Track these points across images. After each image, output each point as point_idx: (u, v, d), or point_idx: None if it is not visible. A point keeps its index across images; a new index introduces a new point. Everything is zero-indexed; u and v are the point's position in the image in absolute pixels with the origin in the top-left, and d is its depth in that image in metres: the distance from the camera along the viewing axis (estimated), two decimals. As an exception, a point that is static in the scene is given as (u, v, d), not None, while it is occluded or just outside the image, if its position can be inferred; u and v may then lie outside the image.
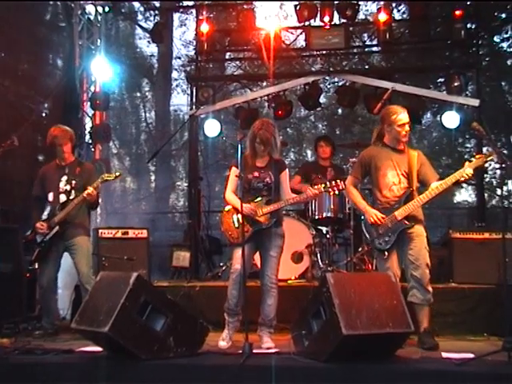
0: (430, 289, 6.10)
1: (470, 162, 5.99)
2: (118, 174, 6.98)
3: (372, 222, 6.19)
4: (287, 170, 6.36)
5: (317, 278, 7.86)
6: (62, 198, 6.94)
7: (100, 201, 7.35)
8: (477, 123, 6.03)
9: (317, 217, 8.35)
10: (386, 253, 6.16)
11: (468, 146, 19.19)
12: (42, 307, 7.24)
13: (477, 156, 6.11)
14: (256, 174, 6.22)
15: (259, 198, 6.18)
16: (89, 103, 10.67)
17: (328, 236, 8.36)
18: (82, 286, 6.93)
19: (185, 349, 5.49)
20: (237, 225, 6.17)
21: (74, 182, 6.95)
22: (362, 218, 6.40)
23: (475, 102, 9.61)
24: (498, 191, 6.66)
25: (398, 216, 6.11)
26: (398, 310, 5.20)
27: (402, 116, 6.25)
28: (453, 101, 9.58)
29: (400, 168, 6.24)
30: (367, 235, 6.34)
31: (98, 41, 10.95)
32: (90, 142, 10.66)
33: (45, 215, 6.95)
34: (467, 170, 5.91)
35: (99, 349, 5.63)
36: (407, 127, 6.26)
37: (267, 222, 6.16)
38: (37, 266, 7.14)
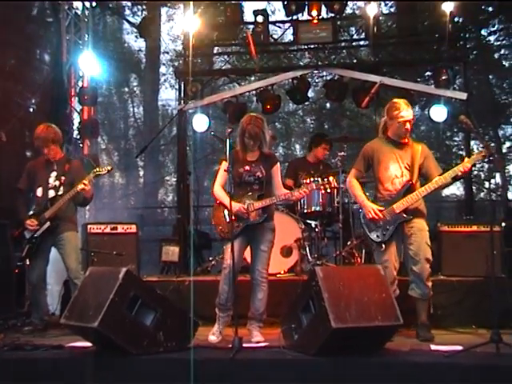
0: (430, 283, 6.14)
1: (469, 157, 6.00)
2: (109, 167, 6.96)
3: (370, 216, 6.20)
4: (278, 163, 6.35)
5: (306, 271, 7.86)
6: (51, 193, 6.93)
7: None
8: (464, 116, 6.04)
9: (306, 211, 8.35)
10: (383, 245, 6.18)
11: (456, 139, 19.27)
12: (31, 303, 7.21)
13: (477, 152, 6.10)
14: (247, 167, 6.21)
15: (250, 193, 6.19)
16: (77, 98, 10.63)
17: (317, 230, 8.36)
18: (70, 282, 6.92)
19: (174, 343, 5.50)
20: (228, 219, 6.15)
21: (63, 178, 6.94)
22: (360, 210, 6.39)
23: (463, 96, 9.64)
24: (486, 184, 6.69)
25: (397, 209, 6.13)
26: (386, 302, 5.22)
27: (404, 113, 6.22)
28: (440, 94, 9.60)
29: (403, 161, 6.25)
30: (365, 227, 6.35)
31: (86, 36, 10.91)
32: (79, 137, 10.63)
33: (32, 210, 6.94)
34: (466, 164, 5.92)
35: (89, 344, 5.63)
36: (408, 125, 6.22)
37: (258, 217, 6.16)
38: (28, 262, 7.10)
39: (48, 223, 6.84)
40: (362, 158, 6.48)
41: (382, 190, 6.31)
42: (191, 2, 10.19)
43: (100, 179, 12.74)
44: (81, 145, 10.59)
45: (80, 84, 10.81)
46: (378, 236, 6.22)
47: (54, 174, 7.00)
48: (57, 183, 6.94)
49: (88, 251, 7.98)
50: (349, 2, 11.57)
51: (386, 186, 6.27)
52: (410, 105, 6.37)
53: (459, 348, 5.30)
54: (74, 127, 10.61)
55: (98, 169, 6.86)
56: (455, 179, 6.13)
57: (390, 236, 6.17)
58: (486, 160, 5.82)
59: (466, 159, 6.02)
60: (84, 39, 10.88)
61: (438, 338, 6.11)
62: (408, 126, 6.23)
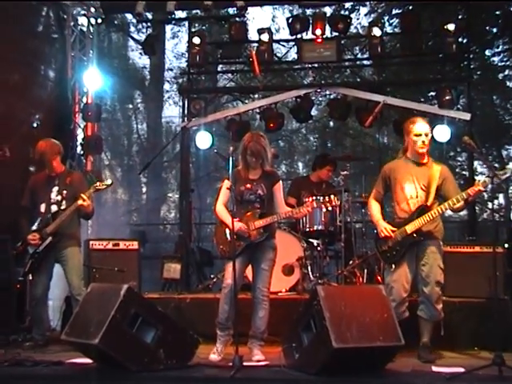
0: (439, 306, 6.12)
1: (480, 181, 5.90)
2: (109, 182, 6.98)
3: (382, 235, 6.21)
4: (280, 182, 6.36)
5: (307, 290, 7.84)
6: (54, 208, 6.95)
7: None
8: (468, 137, 6.04)
9: (308, 229, 8.35)
10: (394, 265, 6.15)
11: (459, 159, 19.29)
12: (32, 318, 7.21)
13: (489, 175, 6.00)
14: (248, 185, 6.23)
15: (252, 212, 6.20)
16: (81, 114, 10.66)
17: (319, 249, 8.35)
18: (72, 298, 6.91)
19: (175, 361, 5.50)
20: (229, 238, 6.16)
21: (64, 192, 6.95)
22: (375, 231, 6.39)
23: (466, 116, 9.65)
24: (489, 205, 6.69)
25: (408, 230, 6.10)
26: (388, 323, 5.22)
27: (418, 126, 6.22)
28: (444, 114, 9.60)
29: (419, 182, 6.21)
30: (377, 247, 6.35)
31: (91, 52, 10.95)
32: (82, 153, 10.65)
33: (35, 226, 6.96)
34: (478, 187, 5.84)
35: (89, 361, 5.62)
36: (424, 137, 6.17)
37: (259, 236, 6.17)
38: (30, 278, 7.09)
39: (50, 238, 6.85)
40: (381, 179, 6.48)
41: (397, 210, 6.31)
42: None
43: (103, 195, 12.78)
44: (84, 161, 10.61)
45: (84, 100, 10.84)
46: (388, 256, 6.21)
47: (55, 188, 7.01)
48: (59, 198, 6.96)
49: (90, 267, 7.99)
50: (353, 21, 11.67)
51: (402, 207, 6.25)
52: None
53: (461, 370, 5.29)
54: (78, 143, 10.62)
55: (97, 183, 6.87)
56: (467, 202, 6.06)
57: (402, 257, 6.14)
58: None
59: (477, 181, 5.96)
60: (89, 55, 10.92)
61: (440, 359, 6.10)
62: (424, 139, 6.17)
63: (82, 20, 10.83)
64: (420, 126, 6.22)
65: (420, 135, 6.19)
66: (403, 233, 6.13)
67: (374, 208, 6.45)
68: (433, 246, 6.15)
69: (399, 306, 6.06)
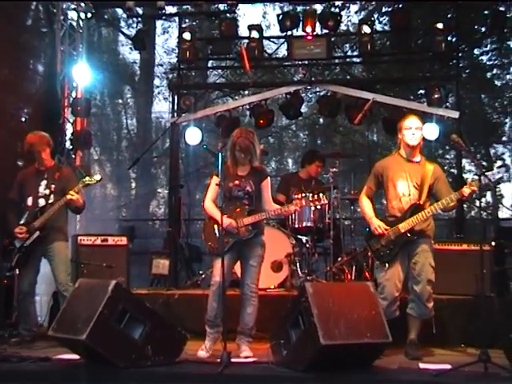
0: (430, 305, 6.13)
1: (474, 180, 5.89)
2: (99, 177, 6.92)
3: (377, 233, 6.19)
4: (269, 178, 6.36)
5: (296, 287, 7.85)
6: (41, 202, 6.91)
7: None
8: (456, 136, 6.04)
9: (297, 226, 8.34)
10: (387, 264, 6.15)
11: (448, 157, 19.33)
12: (19, 314, 7.16)
13: (477, 173, 5.96)
14: (236, 182, 6.22)
15: (240, 208, 6.19)
16: (70, 109, 10.60)
17: (308, 245, 8.35)
18: (59, 293, 6.88)
19: (163, 357, 5.48)
20: (218, 234, 6.14)
21: (53, 186, 6.91)
22: (367, 229, 6.38)
23: (455, 114, 9.66)
24: (477, 203, 6.69)
25: (402, 229, 6.10)
26: (376, 320, 5.22)
27: (408, 120, 6.28)
28: (433, 112, 9.61)
29: (412, 180, 6.21)
30: (370, 245, 6.35)
31: (80, 47, 10.87)
32: (71, 148, 10.59)
33: (23, 220, 6.91)
34: (471, 188, 5.83)
35: (76, 357, 5.59)
36: (413, 130, 6.20)
37: (248, 233, 6.16)
38: (17, 272, 7.06)
39: (38, 232, 6.81)
40: (373, 176, 6.47)
41: (389, 207, 6.31)
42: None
43: (92, 190, 12.73)
44: (73, 156, 10.55)
45: (73, 95, 10.77)
46: (382, 255, 6.21)
47: (44, 182, 6.97)
48: (47, 192, 6.91)
49: (78, 263, 7.95)
50: (343, 19, 11.66)
51: (394, 204, 6.25)
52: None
53: (448, 367, 5.31)
54: (67, 138, 10.56)
55: (87, 178, 6.83)
56: (460, 201, 6.12)
57: (395, 255, 6.14)
58: (477, 179, 5.80)
59: (470, 181, 5.93)
60: (78, 50, 10.84)
61: (427, 356, 6.11)
62: (413, 131, 6.21)
63: (72, 14, 10.74)
64: (410, 121, 6.28)
65: (410, 128, 6.23)
66: (397, 231, 6.12)
67: (366, 205, 6.44)
68: (424, 245, 6.16)
69: (391, 305, 6.07)
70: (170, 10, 12.89)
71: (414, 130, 6.22)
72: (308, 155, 9.59)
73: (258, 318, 6.21)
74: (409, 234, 6.10)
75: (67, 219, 7.28)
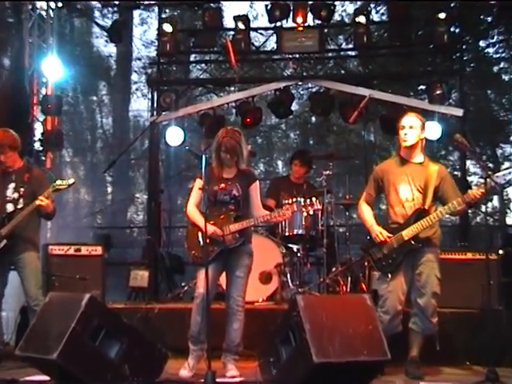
0: (435, 319, 6.11)
1: (482, 183, 5.88)
2: (71, 181, 6.87)
3: (378, 241, 6.18)
4: (257, 182, 6.36)
5: (286, 300, 7.85)
6: (9, 207, 6.82)
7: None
8: (460, 135, 6.06)
9: (287, 234, 8.34)
10: (390, 275, 6.12)
11: (451, 158, 19.42)
12: (-17, 331, 7.13)
13: (482, 176, 5.96)
14: (222, 185, 6.22)
15: (226, 214, 6.19)
16: (39, 107, 10.59)
17: (299, 255, 8.35)
18: (29, 308, 6.83)
19: (141, 377, 5.46)
20: (202, 243, 6.14)
21: (22, 189, 6.83)
22: (368, 236, 6.36)
23: (458, 112, 9.70)
24: (483, 208, 6.71)
25: (405, 236, 6.07)
26: (373, 336, 5.21)
27: (404, 119, 6.27)
28: (434, 110, 9.64)
29: (415, 183, 6.19)
30: (371, 255, 6.32)
31: (51, 39, 10.87)
32: (41, 149, 10.57)
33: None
34: (479, 190, 5.83)
35: (47, 378, 5.58)
36: (407, 130, 6.18)
37: (234, 241, 6.16)
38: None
39: (5, 241, 6.73)
40: (372, 181, 6.46)
41: (392, 214, 6.28)
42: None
43: (64, 195, 12.68)
44: (43, 157, 10.53)
45: (43, 91, 10.77)
46: (384, 265, 6.19)
47: (12, 185, 6.87)
48: (15, 195, 6.83)
49: (49, 274, 7.92)
50: (337, 8, 11.69)
51: (396, 211, 6.23)
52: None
53: (452, 386, 5.32)
54: (36, 138, 10.54)
55: (57, 182, 6.77)
56: (470, 205, 6.06)
57: (398, 265, 6.11)
58: (482, 182, 5.81)
59: (480, 184, 5.95)
60: (49, 42, 10.84)
61: (429, 375, 6.12)
62: (407, 131, 6.19)
63: (41, 3, 10.74)
64: (405, 119, 6.27)
65: (403, 128, 6.23)
66: (400, 239, 6.10)
67: (366, 212, 6.42)
68: (430, 254, 6.13)
69: (393, 320, 6.07)
70: (149, -1, 12.89)
71: (407, 130, 6.20)
72: (292, 155, 9.64)
73: (245, 334, 6.21)
74: (413, 242, 6.07)
75: (39, 227, 7.21)
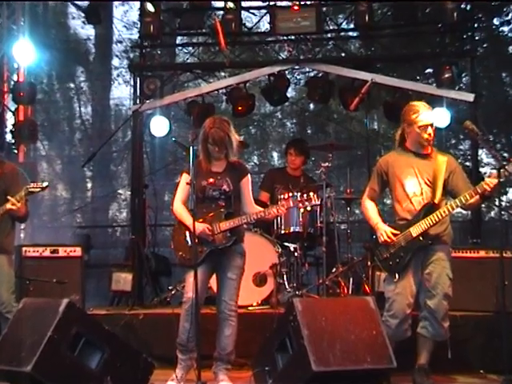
0: (446, 324, 6.10)
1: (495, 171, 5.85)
2: (45, 184, 6.83)
3: (382, 240, 6.18)
4: (249, 175, 6.37)
5: (283, 303, 7.86)
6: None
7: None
8: (470, 122, 6.08)
9: (283, 232, 8.36)
10: (397, 275, 6.11)
11: (462, 148, 19.45)
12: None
13: (496, 167, 5.94)
14: (211, 180, 6.22)
15: (216, 211, 6.19)
16: (10, 95, 10.57)
17: (296, 254, 8.37)
18: (1, 316, 6.83)
19: (125, 390, 5.48)
20: (190, 243, 6.15)
21: (-8, 185, 6.84)
22: (374, 236, 6.37)
23: (469, 97, 9.70)
24: (497, 201, 6.72)
25: (413, 233, 6.07)
26: (377, 342, 5.24)
27: (424, 116, 6.19)
28: (443, 95, 9.65)
29: (423, 176, 6.18)
30: (377, 254, 6.32)
31: (22, 20, 10.85)
32: (13, 142, 10.56)
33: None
34: (492, 180, 5.81)
35: (21, 392, 5.57)
36: (430, 129, 6.16)
37: (225, 240, 6.16)
38: None
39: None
40: (376, 175, 6.45)
41: (399, 210, 6.27)
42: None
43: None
44: (15, 151, 10.51)
45: (15, 78, 10.75)
46: (391, 264, 6.18)
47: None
48: (-16, 193, 6.84)
49: (22, 279, 7.91)
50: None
51: (404, 206, 6.22)
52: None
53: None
54: (8, 130, 10.53)
55: (30, 185, 6.73)
56: (485, 198, 6.04)
57: (406, 265, 6.10)
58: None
59: (491, 171, 5.95)
60: (19, 24, 10.81)
61: None
62: (430, 131, 6.17)
63: (12, -19, 10.72)
64: (426, 116, 6.19)
65: (426, 127, 6.17)
66: (408, 236, 6.10)
67: (371, 209, 6.42)
68: (441, 252, 6.13)
69: (401, 324, 6.05)
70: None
71: (430, 130, 6.17)
72: (287, 144, 9.67)
73: (238, 341, 6.22)
74: (422, 239, 6.06)
75: (13, 228, 7.17)
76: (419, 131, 6.18)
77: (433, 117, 6.26)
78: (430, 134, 6.18)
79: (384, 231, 6.17)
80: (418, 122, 6.18)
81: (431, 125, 6.20)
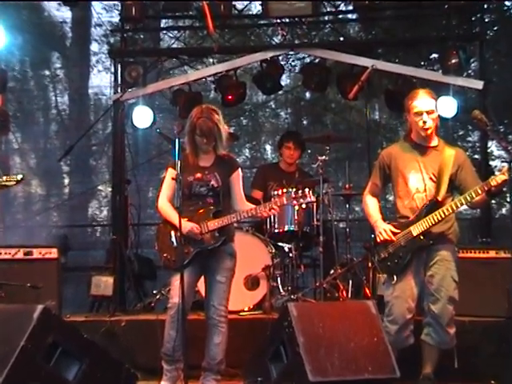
0: (452, 330, 6.13)
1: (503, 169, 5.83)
2: (19, 177, 6.83)
3: (380, 239, 6.21)
4: (240, 170, 6.39)
5: (276, 308, 7.88)
6: None
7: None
8: (479, 111, 6.07)
9: (277, 231, 8.38)
10: (395, 277, 6.14)
11: (470, 139, 19.42)
12: None
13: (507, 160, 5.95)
14: (198, 175, 6.23)
15: (204, 209, 6.19)
16: (-21, 84, 10.55)
17: (291, 255, 8.39)
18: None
19: (105, 403, 5.49)
20: (176, 243, 6.15)
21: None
22: (373, 235, 6.39)
23: (478, 85, 9.70)
24: (508, 197, 6.72)
25: (414, 232, 6.10)
26: (379, 349, 5.25)
27: (418, 102, 6.25)
28: (450, 82, 9.65)
29: (427, 171, 6.22)
30: (376, 254, 6.35)
31: (-10, 2, 10.82)
32: (-17, 134, 10.55)
33: None
34: (500, 176, 5.82)
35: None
36: (426, 117, 6.20)
37: (214, 240, 6.18)
38: None
39: None
40: (378, 168, 6.50)
41: (400, 207, 6.33)
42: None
43: (11, 188, 12.65)
44: (-14, 144, 10.50)
45: (-17, 65, 10.72)
46: (389, 265, 6.21)
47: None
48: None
49: (-7, 283, 7.92)
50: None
51: (406, 204, 6.27)
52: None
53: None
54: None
55: (4, 178, 6.74)
56: (492, 195, 6.07)
57: (406, 266, 6.13)
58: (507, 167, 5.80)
59: (504, 168, 5.95)
60: (-13, 6, 10.78)
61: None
62: (426, 118, 6.19)
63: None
64: (420, 103, 6.25)
65: (421, 114, 6.22)
66: (408, 235, 6.14)
67: (371, 205, 6.47)
68: (445, 252, 6.16)
69: (402, 330, 6.08)
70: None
71: (425, 116, 6.21)
72: (282, 136, 9.66)
73: (229, 350, 6.23)
74: (423, 238, 6.09)
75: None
76: (415, 119, 6.25)
77: (429, 103, 6.27)
78: (424, 122, 6.21)
79: (383, 229, 6.22)
80: (413, 108, 6.27)
81: (428, 112, 6.22)
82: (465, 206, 6.25)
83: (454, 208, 6.05)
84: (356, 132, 16.85)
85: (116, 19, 16.66)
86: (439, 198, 6.11)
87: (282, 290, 8.18)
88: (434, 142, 6.33)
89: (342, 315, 5.42)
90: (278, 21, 10.63)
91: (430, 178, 6.20)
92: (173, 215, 6.12)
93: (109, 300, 8.95)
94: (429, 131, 6.24)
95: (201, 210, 6.20)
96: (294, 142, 9.24)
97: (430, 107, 6.26)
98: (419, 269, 6.16)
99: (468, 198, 5.96)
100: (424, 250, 6.14)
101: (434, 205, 6.11)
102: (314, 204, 8.15)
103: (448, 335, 6.11)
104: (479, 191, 5.89)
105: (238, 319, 7.58)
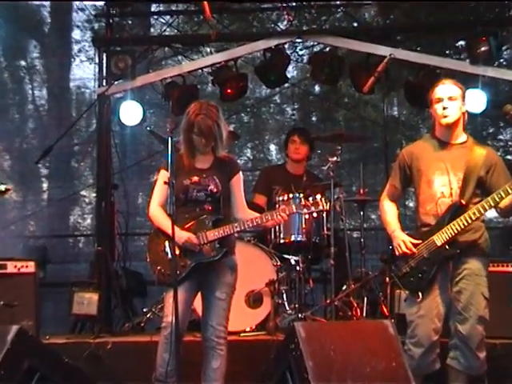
0: (482, 354, 6.04)
1: None
2: (3, 188, 6.85)
3: (399, 252, 6.18)
4: (241, 173, 6.40)
5: (282, 328, 7.90)
6: None
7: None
8: (511, 106, 6.09)
9: (282, 241, 8.39)
10: (421, 294, 6.09)
11: (502, 138, 19.43)
12: None
13: None
14: (195, 178, 6.23)
15: (201, 217, 6.20)
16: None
17: (298, 268, 8.40)
18: None
19: None
20: (170, 255, 6.14)
21: None
22: (390, 247, 6.35)
23: (510, 75, 9.73)
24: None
25: (437, 241, 6.04)
26: (398, 375, 5.25)
27: (439, 88, 6.24)
28: (478, 73, 9.67)
29: (455, 172, 6.14)
30: (396, 269, 6.30)
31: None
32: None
33: None
34: None
35: None
36: (447, 102, 6.13)
37: (214, 252, 6.17)
38: None
39: None
40: (398, 168, 6.47)
41: (422, 214, 6.27)
42: None
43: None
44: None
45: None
46: (412, 281, 6.17)
47: None
48: None
49: (-37, 300, 7.95)
50: None
51: (429, 209, 6.20)
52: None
53: None
54: None
55: None
56: None
57: (431, 282, 6.08)
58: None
59: None
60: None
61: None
62: (446, 104, 6.13)
63: None
64: (441, 88, 6.24)
65: (440, 100, 6.19)
66: (431, 245, 6.08)
67: (389, 212, 6.45)
68: (475, 265, 6.07)
69: (427, 354, 6.05)
70: None
71: (446, 102, 6.15)
72: (288, 133, 9.70)
73: (228, 375, 6.24)
74: (448, 248, 6.03)
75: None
76: (435, 107, 6.22)
77: (451, 89, 6.23)
78: (444, 108, 6.14)
79: (401, 241, 6.16)
80: (434, 95, 6.25)
81: (449, 98, 6.16)
82: (495, 214, 6.23)
83: (482, 211, 5.95)
84: (372, 130, 16.85)
85: (101, 3, 16.71)
86: (463, 202, 6.02)
87: (288, 308, 8.20)
88: (462, 137, 6.28)
89: (356, 336, 5.41)
90: (284, 4, 10.66)
91: (458, 181, 6.12)
92: (166, 223, 6.07)
93: (93, 319, 8.96)
94: (449, 119, 6.15)
95: (198, 219, 6.18)
96: (299, 135, 9.25)
97: (453, 93, 6.20)
98: (446, 284, 6.10)
99: (497, 199, 5.87)
100: (450, 262, 6.08)
101: (457, 209, 6.01)
102: (325, 211, 8.14)
103: (477, 360, 6.03)
104: (509, 190, 5.81)
105: (239, 341, 7.60)
